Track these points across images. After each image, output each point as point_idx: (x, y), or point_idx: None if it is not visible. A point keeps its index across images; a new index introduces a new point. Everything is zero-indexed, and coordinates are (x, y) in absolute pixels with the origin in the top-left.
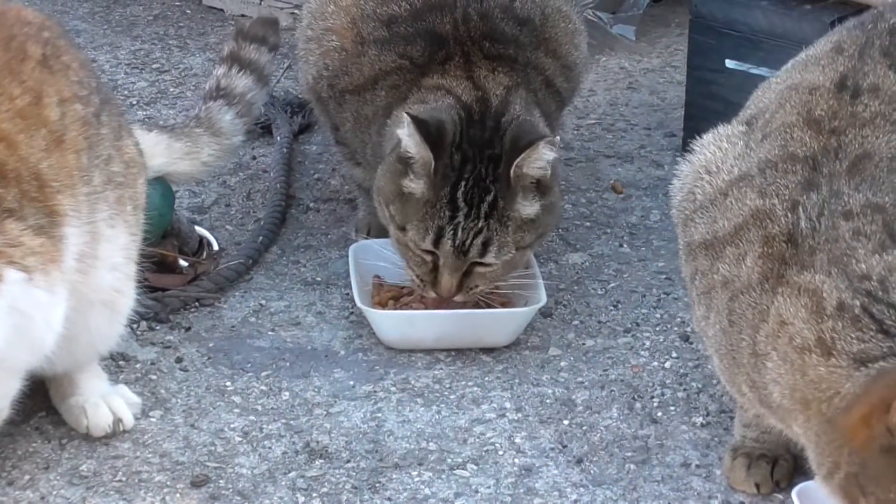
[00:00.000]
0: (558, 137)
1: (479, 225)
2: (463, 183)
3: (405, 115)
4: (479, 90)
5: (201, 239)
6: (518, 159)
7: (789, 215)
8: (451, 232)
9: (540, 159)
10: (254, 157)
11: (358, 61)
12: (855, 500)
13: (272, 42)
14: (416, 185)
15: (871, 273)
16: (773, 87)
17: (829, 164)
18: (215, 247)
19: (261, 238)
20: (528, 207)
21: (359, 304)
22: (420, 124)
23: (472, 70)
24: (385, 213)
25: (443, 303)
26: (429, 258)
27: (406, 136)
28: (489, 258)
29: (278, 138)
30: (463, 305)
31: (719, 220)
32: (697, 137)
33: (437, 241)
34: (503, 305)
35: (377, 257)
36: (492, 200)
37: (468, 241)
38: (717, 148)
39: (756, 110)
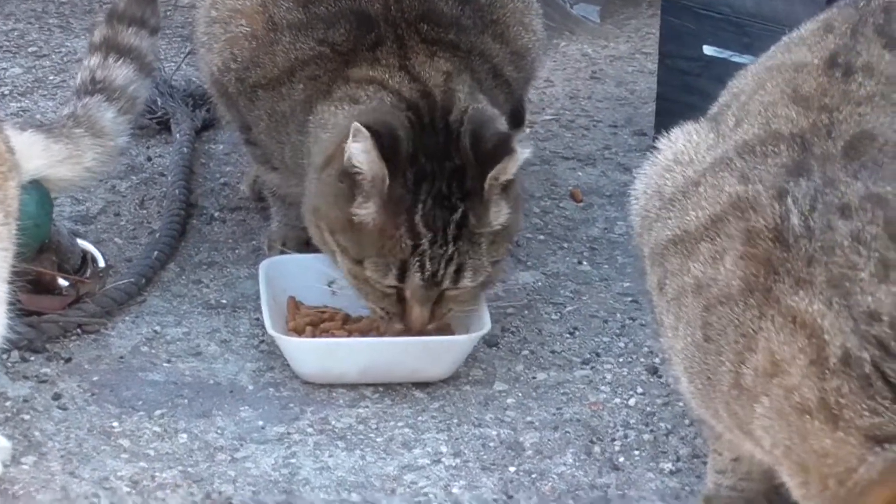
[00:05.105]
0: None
1: (449, 251)
2: (420, 205)
3: (356, 125)
4: (417, 82)
5: (85, 254)
6: (494, 171)
7: (776, 206)
8: (418, 265)
9: (515, 164)
10: (149, 158)
11: (271, 50)
12: None
13: (152, 24)
14: (366, 211)
15: (881, 311)
16: (750, 72)
17: (820, 143)
18: (101, 263)
19: (156, 253)
20: (499, 216)
21: (270, 330)
22: (377, 137)
23: (408, 57)
24: (328, 241)
25: (408, 332)
26: (392, 291)
27: (359, 151)
28: (464, 284)
29: (178, 136)
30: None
31: (691, 210)
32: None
33: (401, 277)
34: (440, 332)
35: (293, 275)
36: (459, 219)
37: (439, 272)
38: (688, 141)
39: (728, 97)
